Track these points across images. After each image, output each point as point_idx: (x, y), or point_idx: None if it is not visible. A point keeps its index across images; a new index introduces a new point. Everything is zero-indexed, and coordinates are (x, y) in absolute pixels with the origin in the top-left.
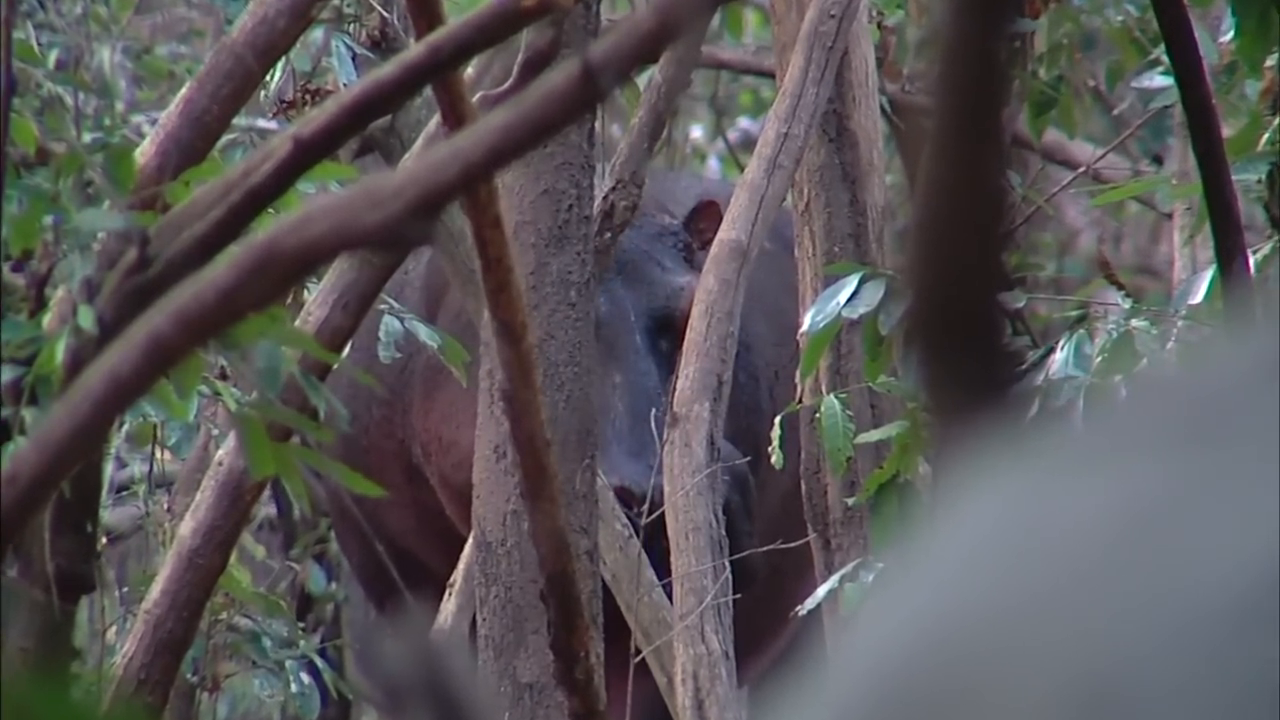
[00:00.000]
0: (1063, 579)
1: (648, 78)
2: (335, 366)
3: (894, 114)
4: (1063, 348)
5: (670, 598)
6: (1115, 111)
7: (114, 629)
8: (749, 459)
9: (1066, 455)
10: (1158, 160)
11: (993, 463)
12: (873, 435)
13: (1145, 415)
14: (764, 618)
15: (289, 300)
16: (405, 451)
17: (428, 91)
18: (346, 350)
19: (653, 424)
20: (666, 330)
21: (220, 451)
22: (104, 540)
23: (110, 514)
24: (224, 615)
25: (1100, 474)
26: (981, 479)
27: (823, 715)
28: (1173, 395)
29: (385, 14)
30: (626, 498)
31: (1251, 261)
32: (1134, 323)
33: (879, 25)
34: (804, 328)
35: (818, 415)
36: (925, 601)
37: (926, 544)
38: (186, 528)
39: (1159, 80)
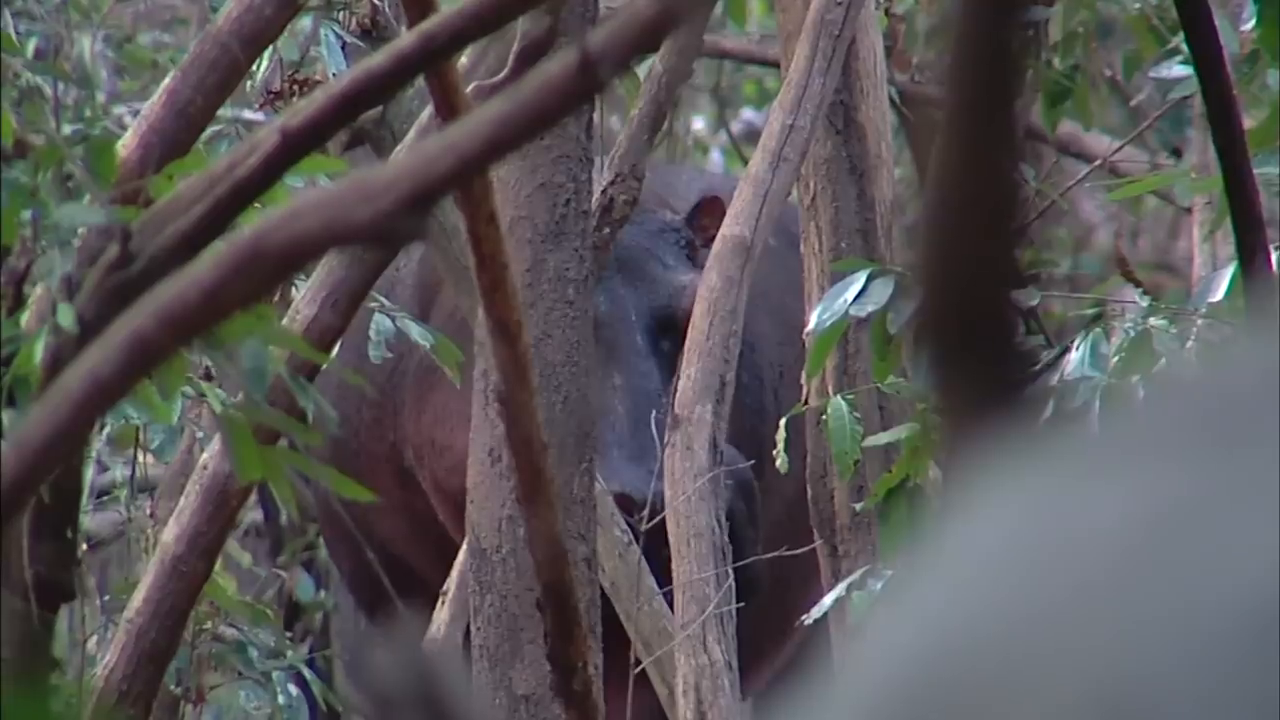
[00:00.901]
0: (1080, 586)
1: (648, 67)
2: (324, 367)
3: (903, 105)
4: (1078, 347)
5: (671, 606)
6: (1133, 102)
7: (95, 638)
8: (753, 463)
9: (1082, 458)
10: (1176, 153)
11: (1006, 466)
12: (881, 438)
13: (1164, 417)
14: (768, 627)
15: (276, 298)
16: (397, 455)
17: (420, 82)
18: (336, 350)
19: (653, 427)
20: (668, 330)
21: (205, 455)
22: (84, 547)
23: (91, 520)
24: (209, 624)
25: (1118, 478)
26: (994, 483)
27: None
28: (1192, 396)
29: (376, 1)
30: (626, 504)
31: (1274, 258)
32: (1152, 321)
33: (887, 13)
34: (810, 326)
35: (824, 417)
36: (937, 609)
37: (937, 550)
38: (170, 534)
39: (1178, 70)
